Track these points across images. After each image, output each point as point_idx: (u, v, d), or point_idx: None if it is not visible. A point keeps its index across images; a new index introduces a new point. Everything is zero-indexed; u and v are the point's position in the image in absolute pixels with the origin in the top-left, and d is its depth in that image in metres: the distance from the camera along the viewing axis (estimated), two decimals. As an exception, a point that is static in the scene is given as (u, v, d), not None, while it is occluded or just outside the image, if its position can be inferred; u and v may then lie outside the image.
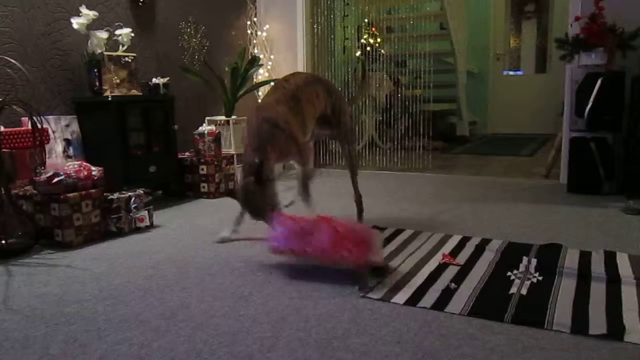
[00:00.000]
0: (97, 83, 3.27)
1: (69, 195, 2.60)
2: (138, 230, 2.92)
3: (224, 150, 4.08)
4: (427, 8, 7.10)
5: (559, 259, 2.25)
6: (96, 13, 3.26)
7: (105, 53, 3.27)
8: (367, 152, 6.08)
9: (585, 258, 2.27)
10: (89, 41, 3.26)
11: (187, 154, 3.97)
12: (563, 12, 5.88)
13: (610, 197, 3.55)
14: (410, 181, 4.39)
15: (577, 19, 3.75)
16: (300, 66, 5.02)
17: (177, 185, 3.81)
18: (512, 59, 8.48)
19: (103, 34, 3.28)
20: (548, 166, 4.43)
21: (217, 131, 3.91)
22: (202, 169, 3.79)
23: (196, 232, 2.88)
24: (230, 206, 3.48)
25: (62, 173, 2.63)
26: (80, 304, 1.90)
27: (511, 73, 8.48)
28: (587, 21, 3.62)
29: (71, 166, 2.73)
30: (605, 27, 3.53)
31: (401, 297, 1.89)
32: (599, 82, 3.54)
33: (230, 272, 2.21)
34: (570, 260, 2.25)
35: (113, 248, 2.60)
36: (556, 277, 2.06)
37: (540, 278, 2.04)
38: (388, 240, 2.62)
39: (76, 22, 3.19)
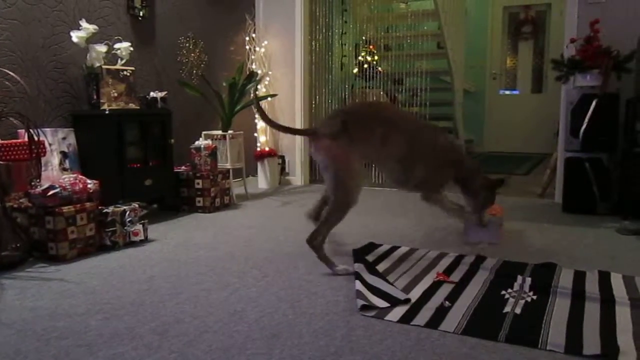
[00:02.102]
0: (95, 96, 3.28)
1: (63, 208, 2.59)
2: (132, 244, 2.91)
3: (220, 165, 4.08)
4: (425, 27, 7.17)
5: (554, 279, 2.25)
6: (96, 27, 3.28)
7: (104, 66, 3.29)
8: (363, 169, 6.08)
9: (579, 278, 2.28)
10: (88, 54, 3.28)
11: (183, 167, 3.98)
12: (559, 33, 5.95)
13: (605, 217, 3.56)
14: (405, 198, 4.39)
15: (572, 40, 3.79)
16: (298, 82, 5.05)
17: (173, 199, 3.81)
18: (508, 79, 8.55)
19: (102, 48, 3.29)
20: (543, 185, 4.45)
21: (214, 145, 3.92)
22: (198, 183, 3.79)
23: (191, 246, 2.87)
24: (225, 221, 3.48)
25: (57, 186, 2.63)
26: (72, 318, 1.89)
27: (507, 92, 8.55)
28: (583, 43, 3.67)
29: (67, 179, 2.73)
30: (600, 49, 3.57)
31: (395, 314, 1.89)
32: (594, 103, 3.57)
33: (224, 287, 2.20)
34: (565, 280, 2.25)
35: (107, 262, 2.59)
36: (550, 296, 2.06)
37: (535, 297, 2.04)
38: (384, 256, 2.62)
39: (76, 36, 3.21)
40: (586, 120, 3.60)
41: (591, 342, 1.65)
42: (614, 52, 3.56)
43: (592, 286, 2.16)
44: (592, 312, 1.90)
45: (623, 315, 1.87)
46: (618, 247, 2.83)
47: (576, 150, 3.69)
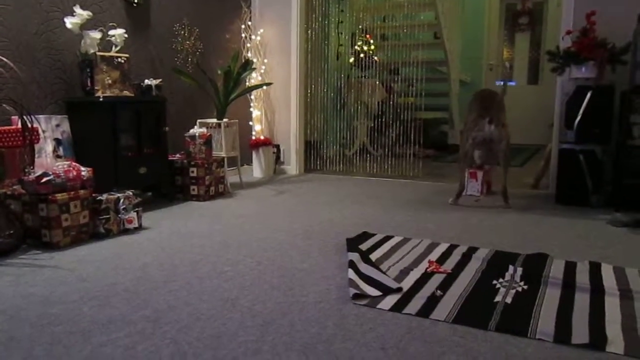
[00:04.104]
0: (89, 83, 3.27)
1: (57, 195, 2.59)
2: (126, 231, 2.91)
3: (215, 153, 4.08)
4: (422, 17, 7.15)
5: (545, 269, 2.27)
6: (90, 13, 3.26)
7: (98, 53, 3.27)
8: (358, 159, 6.10)
9: (570, 268, 2.30)
10: (82, 41, 3.25)
11: (177, 156, 3.97)
12: (555, 25, 5.94)
13: (597, 209, 3.58)
14: (400, 188, 4.41)
15: (568, 32, 3.79)
16: (294, 71, 5.04)
17: (167, 187, 3.81)
18: (504, 70, 8.55)
19: (96, 34, 3.27)
20: (537, 177, 4.46)
21: (209, 134, 3.91)
22: (193, 172, 3.79)
23: (185, 234, 2.88)
24: (220, 209, 3.48)
25: (50, 173, 2.62)
26: (65, 305, 1.89)
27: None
28: (579, 35, 3.67)
29: (60, 166, 2.73)
30: (596, 41, 3.57)
31: (387, 303, 1.90)
32: (588, 95, 3.58)
33: (217, 275, 2.21)
34: (556, 270, 2.27)
35: (101, 249, 2.60)
36: (541, 286, 2.07)
37: (526, 287, 2.06)
38: (377, 246, 2.63)
39: (70, 22, 3.19)
40: (580, 112, 3.61)
41: (580, 332, 1.67)
42: (609, 44, 3.56)
43: (582, 277, 2.18)
44: (581, 302, 1.92)
45: (612, 305, 1.89)
46: (609, 239, 2.85)
47: (570, 142, 3.70)
